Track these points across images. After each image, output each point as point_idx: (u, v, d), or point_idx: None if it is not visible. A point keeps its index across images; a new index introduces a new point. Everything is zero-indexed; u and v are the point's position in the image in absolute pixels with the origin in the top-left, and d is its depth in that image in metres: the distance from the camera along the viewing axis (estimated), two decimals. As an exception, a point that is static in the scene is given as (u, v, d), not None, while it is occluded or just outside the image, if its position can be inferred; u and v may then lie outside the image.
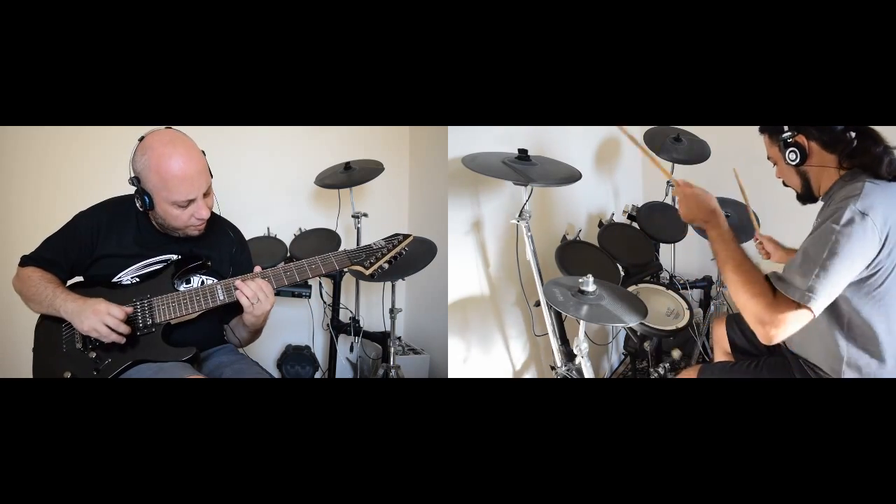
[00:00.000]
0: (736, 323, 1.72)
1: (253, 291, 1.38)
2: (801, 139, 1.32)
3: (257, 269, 1.44)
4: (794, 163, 1.34)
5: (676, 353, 2.27)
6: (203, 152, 1.43)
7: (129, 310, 1.37)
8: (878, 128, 1.30)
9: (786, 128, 1.33)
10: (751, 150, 1.49)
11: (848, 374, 1.31)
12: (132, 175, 1.39)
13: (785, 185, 1.44)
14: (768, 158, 1.44)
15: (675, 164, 2.43)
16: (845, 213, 1.17)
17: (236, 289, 1.39)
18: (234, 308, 1.44)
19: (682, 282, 2.43)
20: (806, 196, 1.40)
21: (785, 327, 1.20)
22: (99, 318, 1.31)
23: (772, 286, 1.24)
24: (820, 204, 1.37)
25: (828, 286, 1.17)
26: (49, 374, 1.38)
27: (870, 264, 1.19)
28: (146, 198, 1.38)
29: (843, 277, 1.18)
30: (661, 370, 2.24)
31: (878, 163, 1.25)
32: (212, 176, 1.44)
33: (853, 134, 1.27)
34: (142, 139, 1.39)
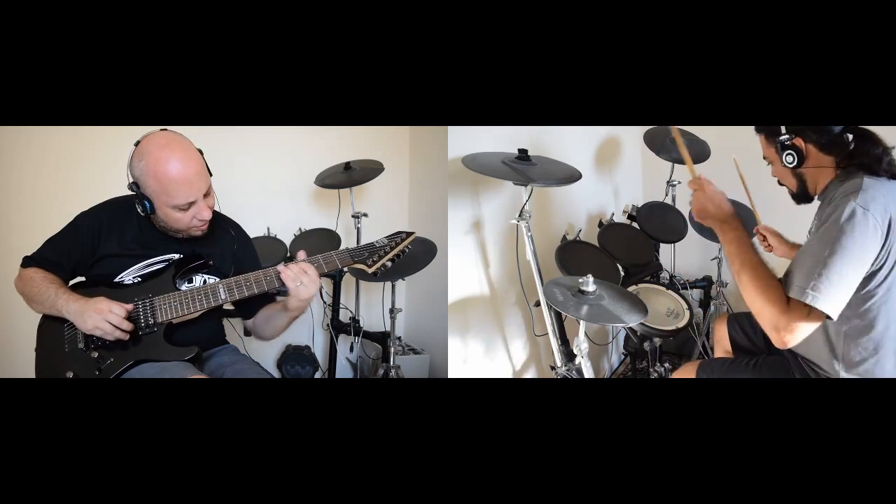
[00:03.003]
0: (737, 321, 1.71)
1: (294, 274, 1.38)
2: (799, 142, 1.31)
3: (301, 254, 1.44)
4: (791, 165, 1.33)
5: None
6: (200, 151, 1.42)
7: (130, 307, 1.37)
8: (876, 129, 1.29)
9: (783, 130, 1.31)
10: (750, 150, 1.50)
11: (842, 370, 1.31)
12: (131, 181, 1.39)
13: (780, 184, 1.44)
14: (764, 158, 1.43)
15: (675, 164, 2.44)
16: (846, 209, 1.16)
17: (279, 273, 1.40)
18: (267, 297, 1.46)
19: (682, 282, 2.44)
20: (801, 196, 1.40)
21: (798, 332, 1.18)
22: (102, 317, 1.31)
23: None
24: (816, 203, 1.37)
25: (833, 284, 1.15)
26: (51, 374, 1.39)
27: (874, 260, 1.18)
28: (147, 203, 1.38)
29: (848, 275, 1.16)
30: (661, 370, 2.24)
31: (878, 163, 1.24)
32: (211, 175, 1.43)
33: (850, 136, 1.26)
34: (137, 143, 1.38)
